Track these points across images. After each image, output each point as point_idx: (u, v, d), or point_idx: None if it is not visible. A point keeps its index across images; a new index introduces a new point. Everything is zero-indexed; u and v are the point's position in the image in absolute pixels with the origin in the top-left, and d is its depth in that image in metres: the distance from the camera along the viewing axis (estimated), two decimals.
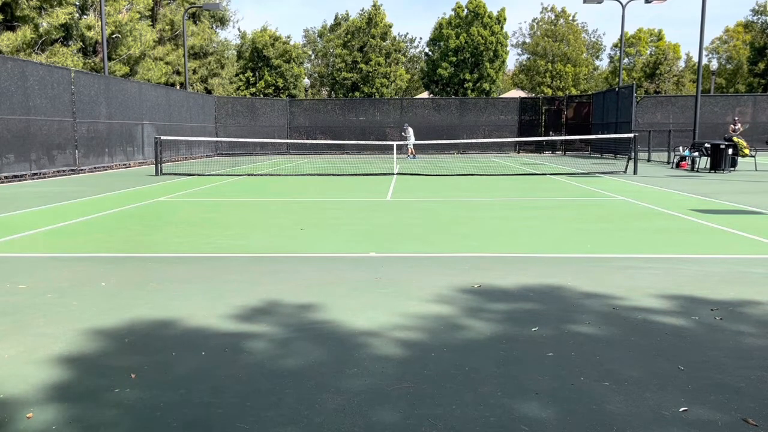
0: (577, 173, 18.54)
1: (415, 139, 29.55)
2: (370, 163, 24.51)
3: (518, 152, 35.07)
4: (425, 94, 51.23)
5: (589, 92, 45.74)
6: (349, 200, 11.70)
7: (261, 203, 11.51)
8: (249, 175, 18.51)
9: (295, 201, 11.76)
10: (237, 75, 48.84)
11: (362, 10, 51.99)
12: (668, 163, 21.76)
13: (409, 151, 29.84)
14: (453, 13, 48.21)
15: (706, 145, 19.46)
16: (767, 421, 2.77)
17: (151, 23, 37.89)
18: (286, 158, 30.49)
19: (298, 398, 3.03)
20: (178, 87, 38.56)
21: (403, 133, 30.17)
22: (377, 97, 46.72)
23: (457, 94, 46.69)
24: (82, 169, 19.48)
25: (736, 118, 25.43)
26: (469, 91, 46.89)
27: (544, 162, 25.44)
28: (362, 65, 49.14)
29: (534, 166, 22.08)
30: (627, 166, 18.82)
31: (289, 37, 52.18)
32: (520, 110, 36.38)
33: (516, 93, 51.68)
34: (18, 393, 3.11)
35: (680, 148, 21.41)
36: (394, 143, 21.43)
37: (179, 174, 18.65)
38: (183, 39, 33.41)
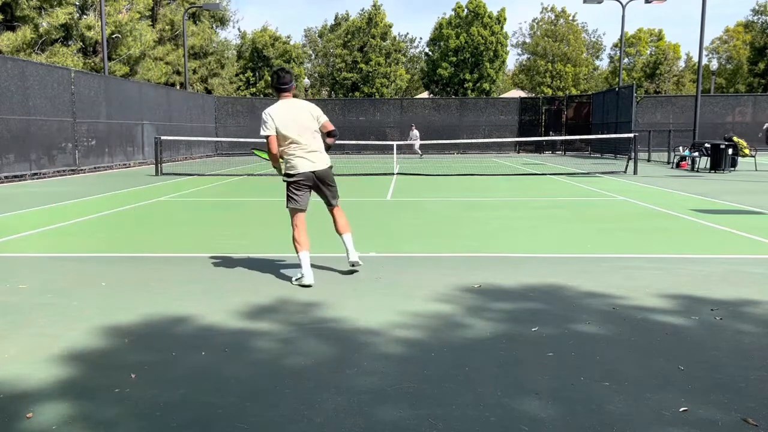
0: (577, 173, 18.53)
1: (412, 140, 29.64)
2: (370, 163, 24.50)
3: (518, 152, 35.05)
4: (425, 94, 51.23)
5: (589, 92, 45.73)
6: (349, 200, 11.68)
7: (261, 203, 11.51)
8: (249, 175, 18.51)
9: None
10: (237, 75, 48.84)
11: (362, 10, 51.99)
12: (668, 163, 21.76)
13: (416, 149, 30.16)
14: (453, 13, 48.20)
15: (706, 145, 19.46)
16: (767, 421, 2.77)
17: (151, 23, 37.88)
18: None
19: (298, 398, 3.03)
20: (178, 87, 38.55)
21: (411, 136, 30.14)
22: (377, 97, 46.72)
23: (457, 94, 46.68)
24: (82, 169, 19.48)
25: None
26: (469, 91, 46.88)
27: (544, 162, 25.44)
28: (362, 65, 49.14)
29: (534, 166, 22.07)
30: (627, 166, 18.82)
31: (289, 37, 52.22)
32: (520, 110, 36.38)
33: (516, 93, 51.67)
34: (18, 393, 3.11)
35: (680, 148, 21.40)
36: (394, 143, 21.42)
37: (179, 174, 18.65)
38: (183, 39, 33.41)
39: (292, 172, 5.39)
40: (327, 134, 5.55)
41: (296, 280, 5.29)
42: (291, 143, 5.32)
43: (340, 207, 5.70)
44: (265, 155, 5.86)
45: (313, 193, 5.61)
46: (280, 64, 49.75)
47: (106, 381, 3.25)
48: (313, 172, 5.38)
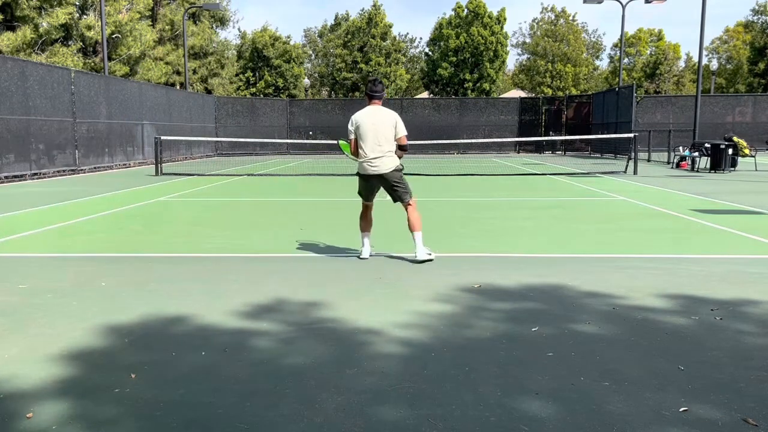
0: (577, 173, 18.53)
1: (416, 140, 29.60)
2: None
3: (518, 152, 35.03)
4: (425, 94, 51.22)
5: (589, 92, 45.72)
6: (349, 200, 11.68)
7: (261, 203, 11.51)
8: (249, 175, 18.51)
9: (295, 201, 11.77)
10: (237, 75, 48.85)
11: (362, 10, 52.02)
12: (668, 163, 21.75)
13: None
14: (453, 13, 48.21)
15: (706, 145, 19.46)
16: (767, 421, 2.77)
17: (151, 23, 37.89)
18: (286, 158, 30.48)
19: (298, 398, 3.03)
20: (178, 87, 38.55)
21: None
22: None
23: (457, 94, 46.67)
24: (82, 169, 19.48)
25: None
26: (469, 91, 46.87)
27: (544, 162, 25.43)
28: (362, 65, 49.14)
29: (534, 166, 22.07)
30: (627, 166, 18.81)
31: (289, 37, 52.21)
32: (520, 110, 36.37)
33: (516, 93, 51.67)
34: (18, 393, 3.11)
35: (680, 148, 21.39)
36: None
37: (179, 174, 18.65)
38: (183, 39, 33.40)
39: (359, 172, 6.19)
40: (399, 147, 6.10)
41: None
42: (363, 146, 6.03)
43: (413, 206, 6.21)
44: (347, 149, 6.52)
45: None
46: (280, 64, 49.77)
47: (106, 381, 3.25)
48: (375, 175, 6.06)
